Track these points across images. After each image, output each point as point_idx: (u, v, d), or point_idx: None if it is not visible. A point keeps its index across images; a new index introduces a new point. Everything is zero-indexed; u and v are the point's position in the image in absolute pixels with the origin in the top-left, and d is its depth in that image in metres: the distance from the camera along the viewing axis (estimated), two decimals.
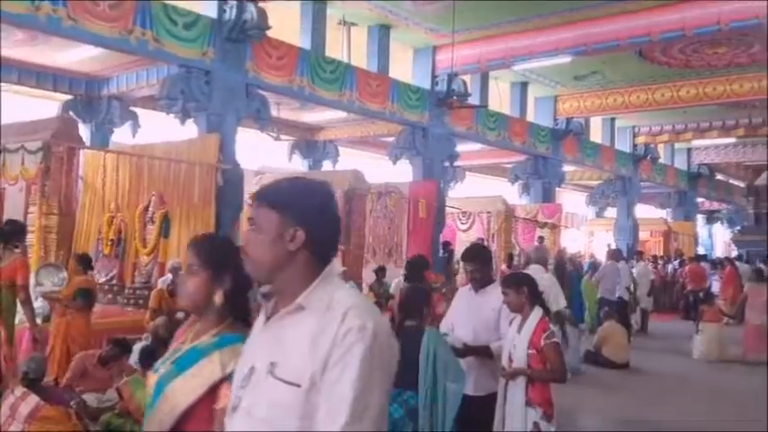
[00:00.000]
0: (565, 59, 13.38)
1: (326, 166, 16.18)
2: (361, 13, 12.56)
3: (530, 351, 3.90)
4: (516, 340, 3.97)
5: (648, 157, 22.17)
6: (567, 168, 19.05)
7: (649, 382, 9.28)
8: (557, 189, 19.20)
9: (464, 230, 16.34)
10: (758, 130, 19.68)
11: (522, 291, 3.99)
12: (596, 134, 20.91)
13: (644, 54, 14.53)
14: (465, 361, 4.13)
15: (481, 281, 4.37)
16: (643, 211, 26.01)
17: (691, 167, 26.17)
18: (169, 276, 8.05)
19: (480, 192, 19.52)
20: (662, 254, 22.03)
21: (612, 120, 20.92)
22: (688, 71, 15.65)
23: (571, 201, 25.39)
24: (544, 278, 7.46)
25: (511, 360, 3.97)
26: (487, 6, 11.97)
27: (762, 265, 13.98)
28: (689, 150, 25.96)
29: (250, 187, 13.00)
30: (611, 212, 24.82)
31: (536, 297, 4.03)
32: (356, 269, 11.82)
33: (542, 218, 16.66)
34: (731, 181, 30.50)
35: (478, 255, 4.50)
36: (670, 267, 19.86)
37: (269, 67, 10.74)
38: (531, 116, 17.71)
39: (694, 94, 16.29)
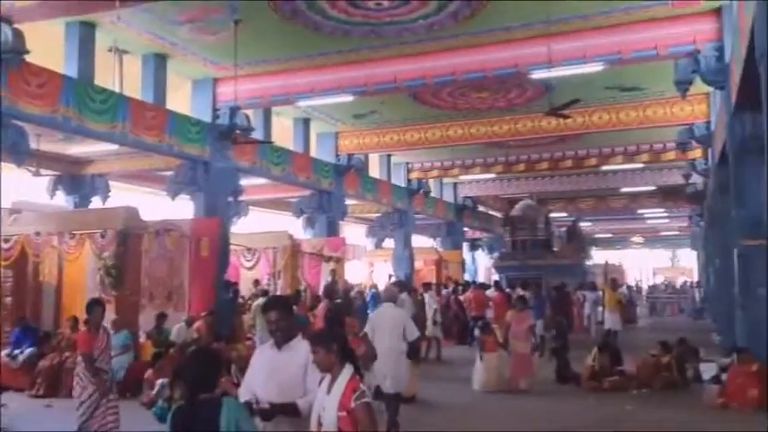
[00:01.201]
0: (346, 98, 13.70)
1: (96, 202, 14.80)
2: (135, 41, 11.83)
3: (340, 413, 3.63)
4: (326, 402, 3.71)
5: (421, 191, 23.51)
6: (348, 202, 19.48)
7: (433, 414, 9.40)
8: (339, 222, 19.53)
9: (249, 268, 15.94)
10: (513, 166, 21.73)
11: (333, 349, 3.76)
12: (374, 170, 21.68)
13: (417, 96, 15.37)
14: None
15: (285, 334, 4.10)
16: (417, 241, 27.41)
17: (457, 200, 28.16)
18: None
19: (264, 227, 19.25)
20: (435, 281, 23.32)
21: (389, 156, 21.86)
22: (455, 113, 16.88)
23: (352, 233, 26.04)
24: (395, 314, 7.66)
25: (320, 424, 3.70)
26: (270, 41, 11.92)
27: (525, 293, 15.04)
28: (455, 185, 27.96)
29: (4, 227, 11.59)
30: (389, 243, 25.88)
31: (346, 355, 3.82)
32: (131, 316, 10.95)
33: (328, 251, 16.79)
34: (491, 212, 33.31)
35: (281, 303, 4.25)
36: (444, 293, 21.05)
37: (28, 95, 9.64)
38: (313, 152, 17.89)
39: (461, 134, 17.60)
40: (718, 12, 10.68)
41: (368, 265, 24.02)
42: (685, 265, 57.43)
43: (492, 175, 24.67)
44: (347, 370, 3.76)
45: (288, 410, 3.92)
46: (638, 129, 16.71)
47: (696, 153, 18.89)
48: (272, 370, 4.06)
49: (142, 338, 11.21)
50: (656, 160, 20.46)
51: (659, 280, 51.17)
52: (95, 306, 7.00)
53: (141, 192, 16.58)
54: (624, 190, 27.45)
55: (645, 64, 12.98)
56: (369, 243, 26.01)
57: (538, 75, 12.27)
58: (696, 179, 22.36)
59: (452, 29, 11.31)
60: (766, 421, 8.19)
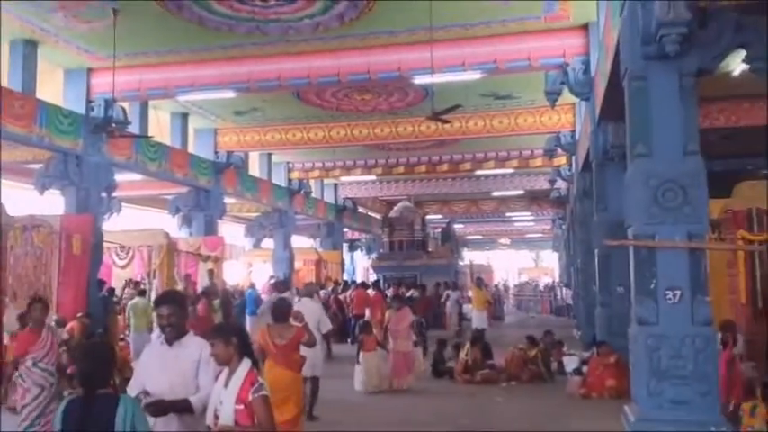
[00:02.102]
0: (228, 94, 13.50)
1: None
2: (3, 25, 11.07)
3: (237, 407, 3.65)
4: (223, 395, 3.71)
5: (302, 192, 23.50)
6: (227, 200, 19.14)
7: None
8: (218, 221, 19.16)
9: (122, 266, 15.31)
10: (393, 169, 22.20)
11: (231, 342, 3.77)
12: (255, 168, 21.43)
13: (301, 96, 15.39)
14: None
15: (176, 330, 4.06)
16: (297, 241, 27.34)
17: (338, 201, 28.36)
18: None
19: (137, 224, 18.54)
20: (315, 281, 23.38)
21: (270, 155, 21.68)
22: (338, 114, 17.03)
23: (229, 232, 25.58)
24: (314, 308, 8.92)
25: (217, 417, 3.70)
26: (150, 33, 11.54)
27: (412, 291, 15.32)
28: (336, 186, 28.15)
29: None
30: (268, 243, 25.65)
31: (245, 348, 3.83)
32: None
33: (205, 251, 16.41)
34: (370, 213, 33.79)
35: (174, 299, 4.21)
36: (323, 293, 21.17)
37: None
38: (191, 148, 17.45)
39: (343, 135, 17.78)
40: (585, 28, 11.48)
41: (246, 266, 23.70)
42: (547, 265, 60.71)
43: (372, 177, 25.06)
44: (245, 363, 3.78)
45: (180, 407, 3.88)
46: (509, 136, 17.61)
47: (561, 160, 20.13)
48: (162, 366, 4.02)
49: (6, 340, 10.51)
50: (525, 166, 21.57)
51: (524, 279, 53.82)
52: (36, 303, 6.59)
53: (6, 186, 15.48)
54: (495, 194, 28.70)
55: (518, 74, 13.73)
56: (247, 243, 25.70)
57: (420, 80, 12.67)
58: (560, 185, 23.83)
59: (338, 30, 11.45)
60: (621, 408, 8.97)
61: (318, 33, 11.54)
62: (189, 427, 3.94)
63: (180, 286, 15.27)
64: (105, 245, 13.78)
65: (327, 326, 9.02)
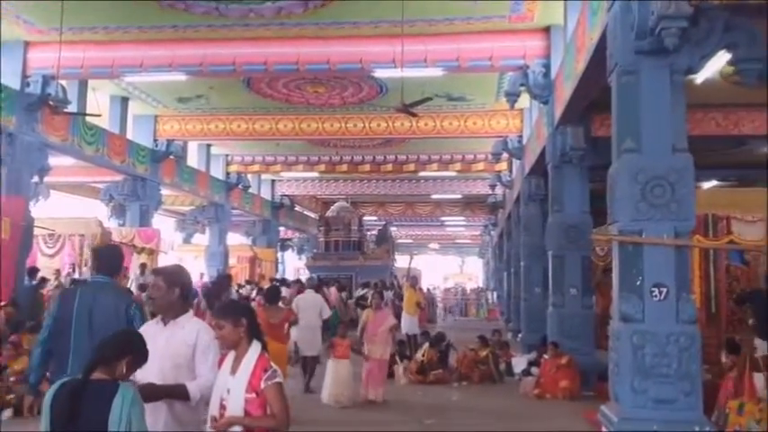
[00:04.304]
0: (178, 77, 12.89)
1: None
2: None
3: (248, 395, 3.27)
4: (230, 383, 3.32)
5: (240, 186, 22.85)
6: (163, 191, 18.37)
7: None
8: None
9: (50, 255, 14.42)
10: (337, 166, 21.90)
11: (241, 323, 3.38)
12: (192, 159, 20.69)
13: (251, 84, 14.89)
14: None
15: (167, 306, 3.67)
16: (230, 237, 26.65)
17: (274, 198, 27.78)
18: None
19: (64, 212, 17.55)
20: (248, 279, 22.82)
21: (209, 146, 20.98)
22: (287, 106, 16.59)
23: (159, 225, 24.63)
24: (315, 298, 10.39)
25: (223, 407, 3.31)
26: (97, 6, 10.85)
27: (365, 291, 14.85)
28: (273, 182, 27.57)
29: None
30: (198, 238, 24.90)
31: (255, 330, 3.45)
32: None
33: (140, 242, 15.68)
34: (306, 212, 33.32)
35: (169, 272, 3.81)
36: (255, 292, 20.62)
37: None
38: (130, 134, 16.64)
39: (291, 129, 17.33)
40: (547, 30, 11.53)
41: (177, 261, 22.84)
42: (472, 271, 61.65)
43: (313, 174, 24.67)
44: (255, 347, 3.39)
45: (175, 393, 3.47)
46: (457, 138, 17.62)
47: (502, 166, 20.36)
48: (153, 348, 3.52)
49: None
50: (467, 170, 21.71)
51: (450, 284, 54.38)
52: None
53: None
54: (434, 196, 28.79)
55: (472, 76, 13.72)
56: (178, 237, 24.87)
57: (382, 73, 12.44)
58: (498, 190, 24.12)
59: (300, 17, 11.09)
60: (578, 408, 8.99)
61: (280, 19, 11.14)
62: (178, 417, 3.53)
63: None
64: (34, 231, 12.90)
65: (327, 313, 10.39)
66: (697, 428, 5.55)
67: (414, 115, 12.68)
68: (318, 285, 13.75)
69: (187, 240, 25.93)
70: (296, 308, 9.74)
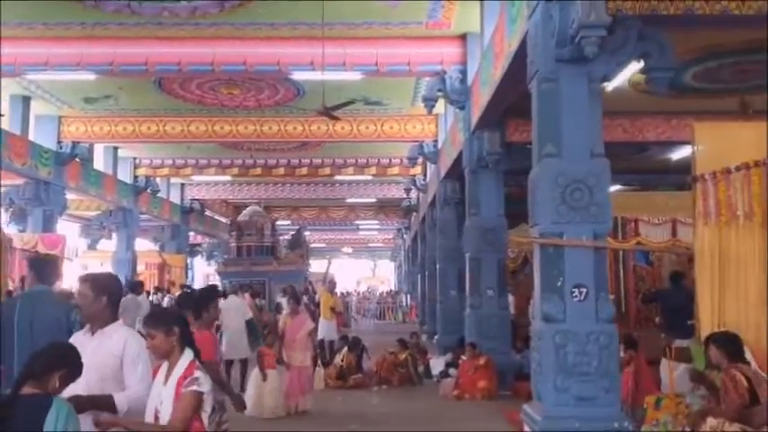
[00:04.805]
0: (87, 76, 12.32)
1: None
2: None
3: (176, 404, 3.18)
4: (164, 394, 3.22)
5: (149, 190, 22.11)
6: (68, 196, 17.51)
7: None
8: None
9: None
10: (250, 170, 21.52)
11: (173, 332, 3.27)
12: (98, 163, 19.82)
13: (162, 85, 14.41)
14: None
15: (94, 315, 3.50)
16: (138, 243, 25.74)
17: (184, 202, 27.04)
18: None
19: None
20: (157, 285, 22.15)
21: (116, 149, 20.18)
22: (200, 108, 16.16)
23: (63, 231, 23.50)
24: (239, 302, 11.15)
25: (157, 418, 3.20)
26: None
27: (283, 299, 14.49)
28: (183, 186, 26.83)
29: None
30: (104, 244, 23.96)
31: (187, 338, 3.34)
32: None
33: (43, 249, 14.84)
34: (216, 217, 32.59)
35: (95, 278, 3.62)
36: (166, 300, 20.00)
37: None
38: (32, 135, 15.77)
39: (203, 131, 16.89)
40: (463, 38, 11.74)
41: (82, 267, 21.83)
42: (384, 275, 62.11)
43: (225, 178, 24.15)
44: (187, 355, 3.29)
45: (101, 405, 3.31)
46: (374, 142, 17.68)
47: (417, 170, 20.61)
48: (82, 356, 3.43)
49: None
50: (383, 174, 21.81)
51: (362, 288, 54.60)
52: None
53: None
54: (349, 200, 28.79)
55: (389, 81, 13.81)
56: (82, 243, 23.84)
57: (300, 76, 12.32)
58: (412, 194, 24.39)
59: (216, 17, 10.81)
60: (497, 408, 9.18)
61: (195, 18, 10.83)
62: None
63: (12, 287, 13.70)
64: None
65: (249, 314, 10.92)
66: (616, 424, 5.75)
67: (335, 119, 12.62)
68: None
69: (92, 246, 24.87)
70: (221, 311, 9.61)
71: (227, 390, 5.28)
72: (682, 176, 11.83)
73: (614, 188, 16.17)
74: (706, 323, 5.81)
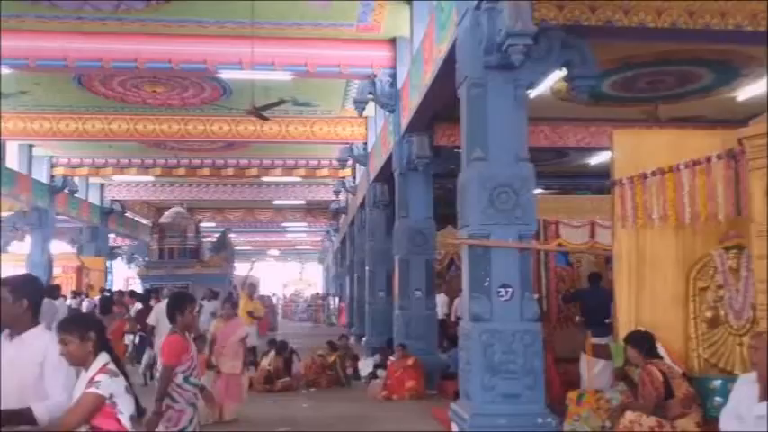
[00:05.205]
0: (4, 71, 11.76)
1: None
2: None
3: None
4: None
5: (67, 190, 21.30)
6: None
7: None
8: None
9: None
10: (174, 170, 21.03)
11: (89, 338, 3.14)
12: (12, 161, 18.96)
13: (83, 81, 13.93)
14: None
15: (20, 322, 3.33)
16: (54, 245, 24.75)
17: (104, 203, 26.19)
18: None
19: None
20: (75, 289, 21.36)
21: (30, 147, 19.35)
22: (122, 106, 15.70)
23: None
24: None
25: None
26: None
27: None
28: (102, 186, 25.99)
29: None
30: (17, 247, 22.93)
31: (103, 343, 3.21)
32: None
33: None
34: (138, 218, 31.70)
35: (24, 284, 3.44)
36: (86, 304, 19.32)
37: None
38: None
39: (125, 129, 16.43)
40: (393, 42, 11.86)
41: None
42: (311, 277, 61.79)
43: (147, 178, 23.55)
44: (101, 358, 3.15)
45: (20, 418, 3.14)
46: (303, 143, 17.61)
47: (347, 172, 20.63)
48: None
49: None
50: (312, 176, 21.74)
51: (289, 291, 54.17)
52: None
53: None
54: (276, 202, 28.53)
55: (319, 82, 13.80)
56: None
57: (227, 75, 12.16)
58: (341, 196, 24.39)
59: (141, 12, 10.56)
60: (424, 407, 9.31)
61: (119, 14, 10.53)
62: None
63: None
64: None
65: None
66: (540, 420, 5.95)
67: (264, 119, 12.51)
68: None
69: (3, 249, 23.73)
70: (157, 314, 9.88)
71: (160, 397, 5.11)
72: (600, 181, 12.40)
73: (536, 192, 16.70)
74: (623, 321, 6.06)
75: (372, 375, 11.69)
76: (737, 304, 5.52)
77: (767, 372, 3.91)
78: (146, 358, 11.53)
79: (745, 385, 4.12)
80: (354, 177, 20.43)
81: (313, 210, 32.42)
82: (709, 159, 5.40)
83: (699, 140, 5.95)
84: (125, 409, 3.14)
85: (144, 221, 31.96)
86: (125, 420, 3.13)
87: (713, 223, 5.56)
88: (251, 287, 17.85)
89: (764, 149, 4.70)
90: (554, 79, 8.53)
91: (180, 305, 4.95)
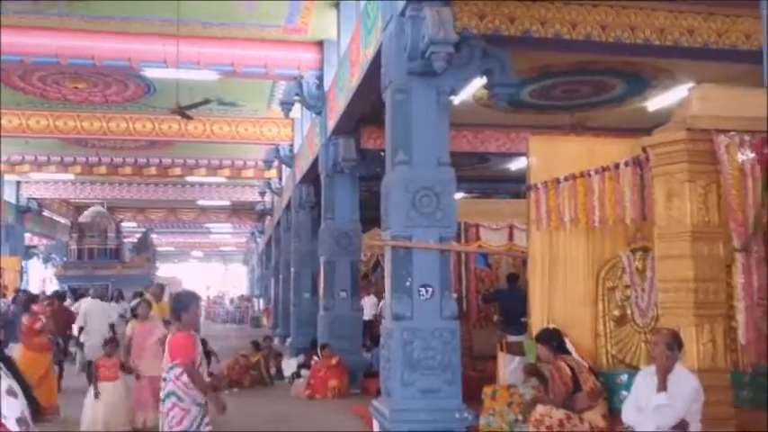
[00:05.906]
0: None
1: None
2: None
3: None
4: None
5: None
6: None
7: None
8: None
9: None
10: (95, 168, 20.42)
11: None
12: None
13: (0, 76, 13.41)
14: None
15: None
16: None
17: (20, 201, 25.19)
18: None
19: None
20: None
21: None
22: (41, 101, 15.18)
23: None
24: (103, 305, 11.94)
25: None
26: None
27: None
28: (18, 184, 25.00)
29: None
30: None
31: None
32: None
33: None
34: (56, 217, 30.62)
35: None
36: (2, 304, 18.54)
37: None
38: None
39: (44, 126, 15.88)
40: (320, 44, 11.96)
41: None
42: (235, 279, 61.04)
43: (66, 176, 22.80)
44: None
45: None
46: (228, 143, 17.46)
47: (272, 173, 20.56)
48: None
49: None
50: (237, 176, 21.52)
51: (213, 293, 53.34)
52: None
53: None
54: (201, 203, 28.10)
55: (244, 83, 13.75)
56: None
57: (151, 73, 11.97)
58: (266, 197, 24.27)
59: (63, 6, 10.29)
60: (347, 405, 9.45)
61: (39, 7, 10.22)
62: None
63: None
64: None
65: (112, 318, 11.72)
66: (457, 415, 6.18)
67: (189, 118, 12.37)
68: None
69: None
70: (86, 314, 10.69)
71: (204, 391, 5.02)
72: (518, 185, 12.84)
73: (458, 195, 17.12)
74: (537, 320, 6.35)
75: (296, 375, 11.74)
76: (643, 303, 5.89)
77: (664, 365, 4.22)
78: (80, 358, 11.63)
79: (645, 378, 4.42)
80: (280, 179, 20.38)
81: (238, 211, 32.07)
82: (617, 166, 5.73)
83: (609, 148, 6.29)
84: (10, 412, 3.07)
85: (62, 221, 30.88)
86: (10, 424, 3.08)
87: (621, 226, 5.90)
88: (158, 288, 17.45)
89: (666, 157, 5.03)
90: (476, 86, 8.80)
91: (185, 303, 4.98)
